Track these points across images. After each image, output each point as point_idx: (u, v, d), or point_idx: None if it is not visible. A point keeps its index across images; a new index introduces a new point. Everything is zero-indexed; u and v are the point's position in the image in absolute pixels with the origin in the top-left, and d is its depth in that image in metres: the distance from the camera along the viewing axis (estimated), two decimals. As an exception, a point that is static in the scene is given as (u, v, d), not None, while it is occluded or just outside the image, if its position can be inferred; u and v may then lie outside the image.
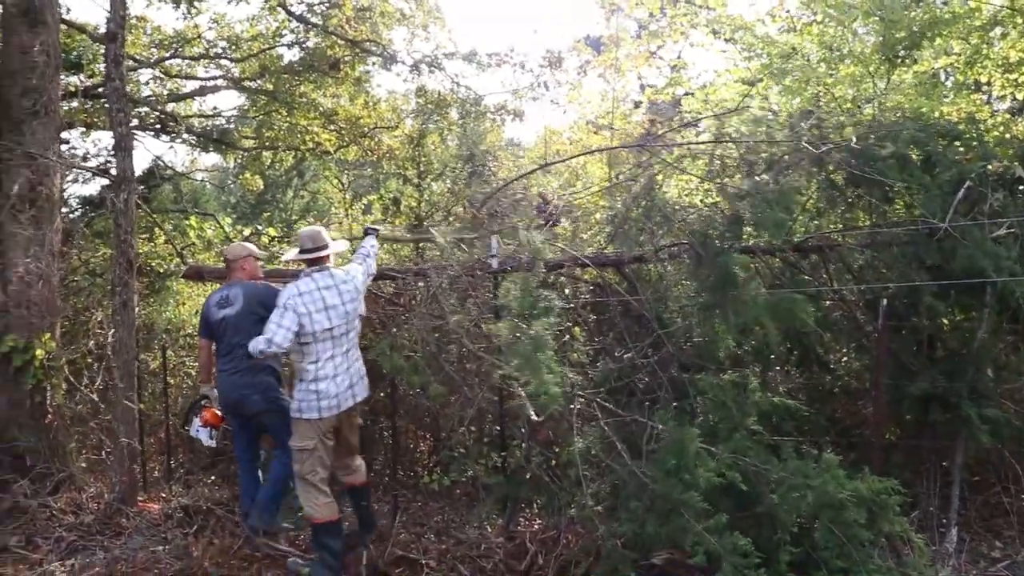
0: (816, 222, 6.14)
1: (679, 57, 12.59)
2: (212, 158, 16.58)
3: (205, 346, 5.62)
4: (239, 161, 13.95)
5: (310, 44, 10.82)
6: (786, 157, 5.72)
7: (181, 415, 7.02)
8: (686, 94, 9.99)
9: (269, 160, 12.95)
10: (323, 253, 5.07)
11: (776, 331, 5.01)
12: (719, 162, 6.08)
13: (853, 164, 5.49)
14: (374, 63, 10.91)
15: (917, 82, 7.09)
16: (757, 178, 5.30)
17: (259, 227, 11.78)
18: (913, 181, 5.47)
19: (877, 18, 7.04)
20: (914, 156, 5.55)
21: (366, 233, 5.73)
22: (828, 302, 6.01)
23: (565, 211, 6.40)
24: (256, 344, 4.68)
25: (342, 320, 4.89)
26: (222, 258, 6.02)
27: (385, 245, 7.52)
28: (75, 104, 10.33)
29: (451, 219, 7.33)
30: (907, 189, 5.61)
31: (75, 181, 11.93)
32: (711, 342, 5.22)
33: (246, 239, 10.82)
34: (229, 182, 17.56)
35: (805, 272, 5.97)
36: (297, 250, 5.15)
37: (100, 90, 10.50)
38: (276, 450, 5.52)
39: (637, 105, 10.60)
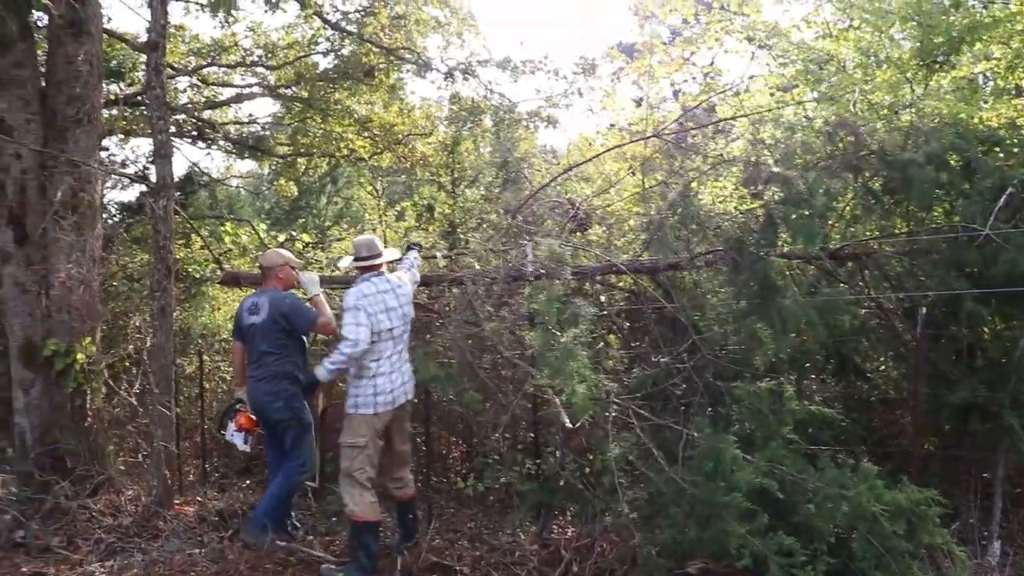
0: (852, 229, 6.08)
1: (712, 63, 12.52)
2: (247, 164, 16.77)
3: (238, 349, 5.71)
4: (273, 167, 14.08)
5: (345, 52, 10.88)
6: (821, 164, 5.67)
7: (216, 419, 7.09)
8: (720, 99, 9.93)
9: (303, 167, 13.06)
10: (378, 261, 5.33)
11: (821, 336, 4.96)
12: (753, 168, 6.06)
13: (890, 170, 5.43)
14: (408, 70, 10.94)
15: (956, 87, 7.00)
16: (791, 189, 5.25)
17: (293, 233, 11.88)
18: (952, 188, 5.40)
19: (915, 23, 6.97)
20: (953, 162, 5.48)
21: (408, 248, 6.07)
22: (865, 310, 5.95)
23: (593, 216, 6.38)
24: (341, 351, 4.98)
25: (400, 321, 5.22)
26: (257, 265, 6.09)
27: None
28: (114, 112, 10.48)
29: (484, 226, 7.34)
30: (946, 195, 5.54)
31: (113, 187, 12.13)
32: (747, 349, 5.19)
33: (280, 245, 10.91)
34: (263, 188, 17.72)
35: (841, 280, 5.91)
36: (352, 258, 5.38)
37: (139, 98, 10.67)
38: (285, 462, 5.58)
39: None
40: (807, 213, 5.08)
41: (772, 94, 8.69)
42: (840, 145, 5.93)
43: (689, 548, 4.44)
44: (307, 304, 5.60)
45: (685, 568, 4.55)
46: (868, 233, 5.99)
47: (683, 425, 4.76)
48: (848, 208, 5.99)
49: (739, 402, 4.79)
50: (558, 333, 4.76)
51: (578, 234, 6.13)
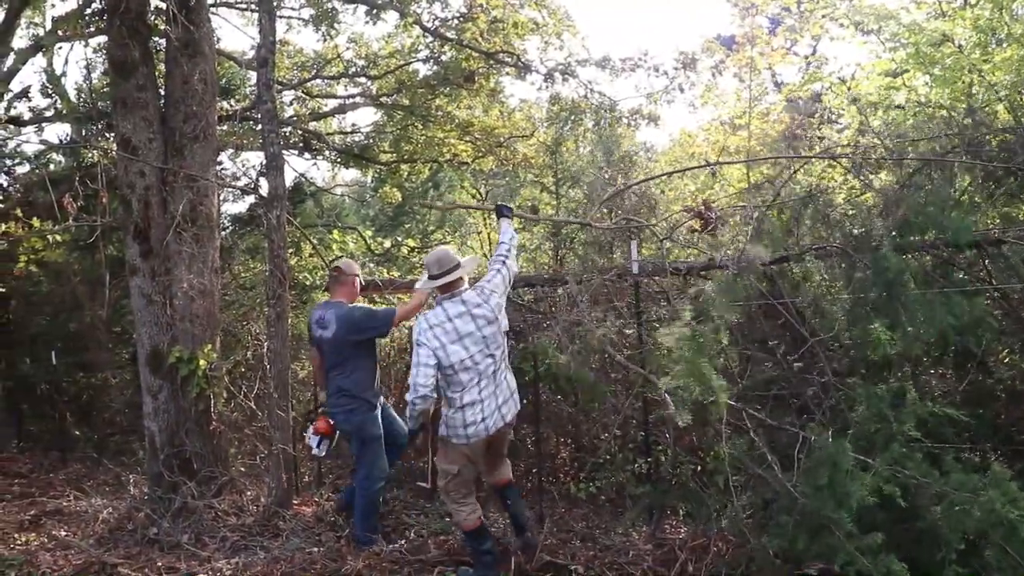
0: (973, 217, 5.82)
1: (815, 52, 12.20)
2: (351, 173, 17.19)
3: (316, 356, 5.89)
4: (377, 175, 14.37)
5: (445, 58, 11.03)
6: (949, 154, 5.43)
7: (302, 421, 7.25)
8: (826, 89, 9.67)
9: (406, 173, 13.30)
10: (453, 276, 4.83)
11: (946, 330, 4.74)
12: (863, 158, 5.87)
13: (1015, 152, 5.18)
14: (508, 74, 11.02)
15: (1089, 62, 6.62)
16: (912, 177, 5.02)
17: (398, 239, 12.12)
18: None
19: (1039, -4, 6.62)
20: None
21: (499, 214, 5.38)
22: (988, 300, 5.68)
23: (725, 218, 6.18)
24: (410, 397, 4.68)
25: (479, 347, 4.72)
26: (330, 271, 6.16)
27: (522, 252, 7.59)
28: (225, 127, 10.90)
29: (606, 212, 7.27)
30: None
31: (226, 200, 12.63)
32: (862, 344, 5.01)
33: (386, 251, 11.16)
34: (367, 196, 18.11)
35: (961, 268, 5.67)
36: (426, 277, 4.95)
37: (248, 113, 11.08)
38: (355, 474, 5.75)
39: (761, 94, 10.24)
40: (940, 205, 4.84)
41: (895, 76, 8.36)
42: (958, 129, 5.69)
43: (800, 556, 4.31)
44: (376, 309, 5.57)
45: (803, 570, 4.44)
46: (990, 221, 5.72)
47: (798, 425, 4.62)
48: (966, 195, 5.73)
49: (858, 403, 4.62)
50: (688, 331, 4.60)
51: (708, 235, 5.92)
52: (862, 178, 5.99)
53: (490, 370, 4.76)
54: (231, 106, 11.48)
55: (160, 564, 5.36)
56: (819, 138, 7.79)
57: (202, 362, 6.71)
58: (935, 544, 4.05)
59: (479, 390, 4.73)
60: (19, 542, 6.20)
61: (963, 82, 7.19)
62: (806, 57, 11.44)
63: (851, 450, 4.18)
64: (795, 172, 6.07)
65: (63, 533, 6.35)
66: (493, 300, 4.81)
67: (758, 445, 4.56)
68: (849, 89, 9.04)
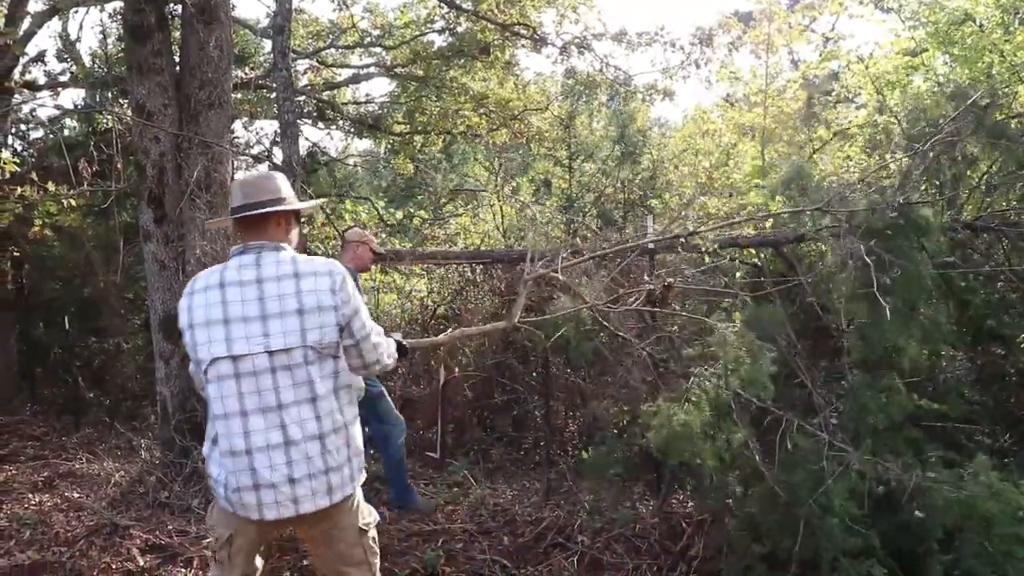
0: (989, 199, 5.78)
1: (833, 29, 12.09)
2: (364, 143, 17.18)
3: None
4: (390, 146, 14.35)
5: (460, 29, 10.99)
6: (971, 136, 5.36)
7: None
8: (844, 68, 9.58)
9: (420, 144, 13.29)
10: (266, 210, 2.89)
11: (952, 314, 4.70)
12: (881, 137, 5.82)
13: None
14: (523, 46, 10.95)
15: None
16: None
17: (411, 210, 12.12)
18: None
19: (1064, -25, 6.54)
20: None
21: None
22: (1001, 283, 5.65)
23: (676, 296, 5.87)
24: None
25: (258, 346, 2.74)
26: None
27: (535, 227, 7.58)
28: (239, 95, 10.90)
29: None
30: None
31: (239, 168, 12.65)
32: (873, 326, 4.96)
33: (399, 222, 11.17)
34: (380, 166, 18.07)
35: (978, 251, 5.63)
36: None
37: (263, 81, 11.07)
38: (375, 436, 5.68)
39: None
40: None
41: (915, 55, 8.27)
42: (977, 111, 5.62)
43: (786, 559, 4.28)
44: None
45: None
46: (1007, 203, 5.68)
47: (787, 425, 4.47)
48: (985, 177, 5.68)
49: (844, 398, 4.53)
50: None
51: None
52: (882, 162, 5.94)
53: (271, 395, 2.75)
54: (246, 74, 11.47)
55: (171, 527, 5.43)
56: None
57: (212, 329, 6.72)
58: (918, 536, 4.01)
59: (244, 426, 2.75)
60: (33, 502, 6.29)
61: (983, 62, 7.11)
62: (824, 35, 11.35)
63: (831, 444, 4.09)
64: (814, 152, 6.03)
65: (76, 495, 6.43)
66: (326, 282, 2.81)
67: (752, 446, 4.46)
68: (867, 68, 8.96)
